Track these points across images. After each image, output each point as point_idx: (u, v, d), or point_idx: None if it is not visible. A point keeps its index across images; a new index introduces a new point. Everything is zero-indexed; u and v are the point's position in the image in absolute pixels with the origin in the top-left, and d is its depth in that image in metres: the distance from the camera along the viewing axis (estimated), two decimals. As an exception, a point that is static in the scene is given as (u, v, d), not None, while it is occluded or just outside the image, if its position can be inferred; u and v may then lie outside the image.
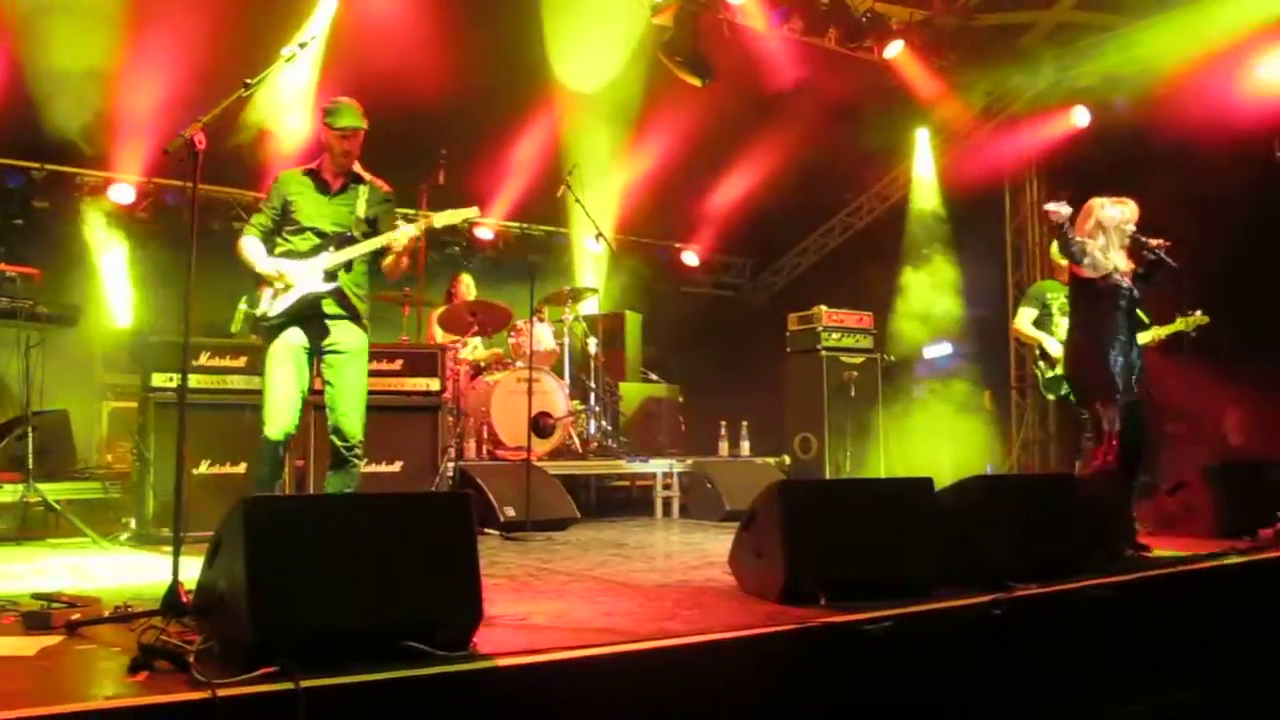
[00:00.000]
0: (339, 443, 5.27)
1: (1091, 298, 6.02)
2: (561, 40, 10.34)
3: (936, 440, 10.56)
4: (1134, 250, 6.08)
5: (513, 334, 9.17)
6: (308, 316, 5.27)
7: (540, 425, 8.43)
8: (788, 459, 9.85)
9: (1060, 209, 5.82)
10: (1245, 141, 9.76)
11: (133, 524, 6.61)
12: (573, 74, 10.62)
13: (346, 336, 5.33)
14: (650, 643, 3.33)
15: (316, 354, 5.31)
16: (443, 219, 5.66)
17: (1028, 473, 11.17)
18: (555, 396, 8.73)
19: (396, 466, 7.27)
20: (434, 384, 7.53)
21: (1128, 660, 4.50)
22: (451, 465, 7.55)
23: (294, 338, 5.24)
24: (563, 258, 12.63)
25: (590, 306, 10.45)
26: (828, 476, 9.44)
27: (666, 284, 13.96)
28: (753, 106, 11.59)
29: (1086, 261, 5.93)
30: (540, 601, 4.27)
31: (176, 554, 3.64)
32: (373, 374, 7.19)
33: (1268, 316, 9.05)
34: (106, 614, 3.58)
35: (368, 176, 5.48)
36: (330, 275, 5.26)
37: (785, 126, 11.85)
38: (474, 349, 9.37)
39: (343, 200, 5.39)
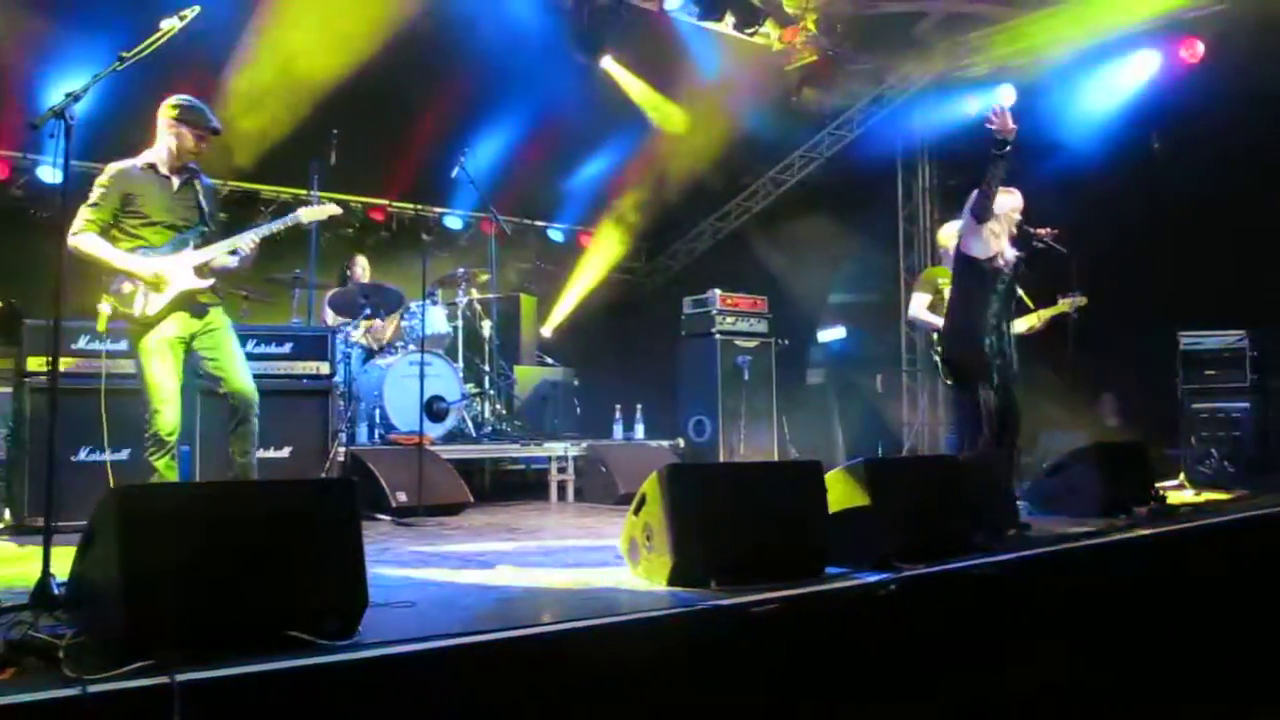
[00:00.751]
0: (238, 404, 5.41)
1: (974, 277, 6.14)
2: (457, 19, 10.19)
3: (829, 423, 10.71)
4: (1021, 240, 6.21)
5: (405, 317, 9.05)
6: (183, 306, 5.32)
7: (433, 409, 8.34)
8: (682, 442, 9.89)
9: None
10: (1126, 131, 10.06)
11: (7, 514, 6.37)
12: (468, 53, 10.48)
13: (216, 317, 5.46)
14: (540, 628, 3.32)
15: (189, 342, 5.36)
16: (308, 215, 5.83)
17: (915, 455, 11.39)
18: (449, 380, 8.63)
19: (285, 452, 7.11)
20: (324, 367, 7.38)
21: (1012, 637, 4.61)
22: (342, 450, 7.43)
23: (168, 330, 5.28)
24: (457, 240, 12.50)
25: (484, 289, 10.36)
26: (721, 459, 9.50)
27: (561, 267, 13.90)
28: (650, 88, 11.59)
29: (984, 234, 6.03)
30: (430, 588, 4.23)
31: (47, 545, 3.51)
32: (261, 357, 7.11)
33: (1144, 302, 9.36)
34: (-28, 608, 3.44)
35: (198, 170, 5.55)
36: (200, 271, 5.35)
37: (682, 109, 11.88)
38: (367, 332, 9.22)
39: (185, 195, 5.45)
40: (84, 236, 5.17)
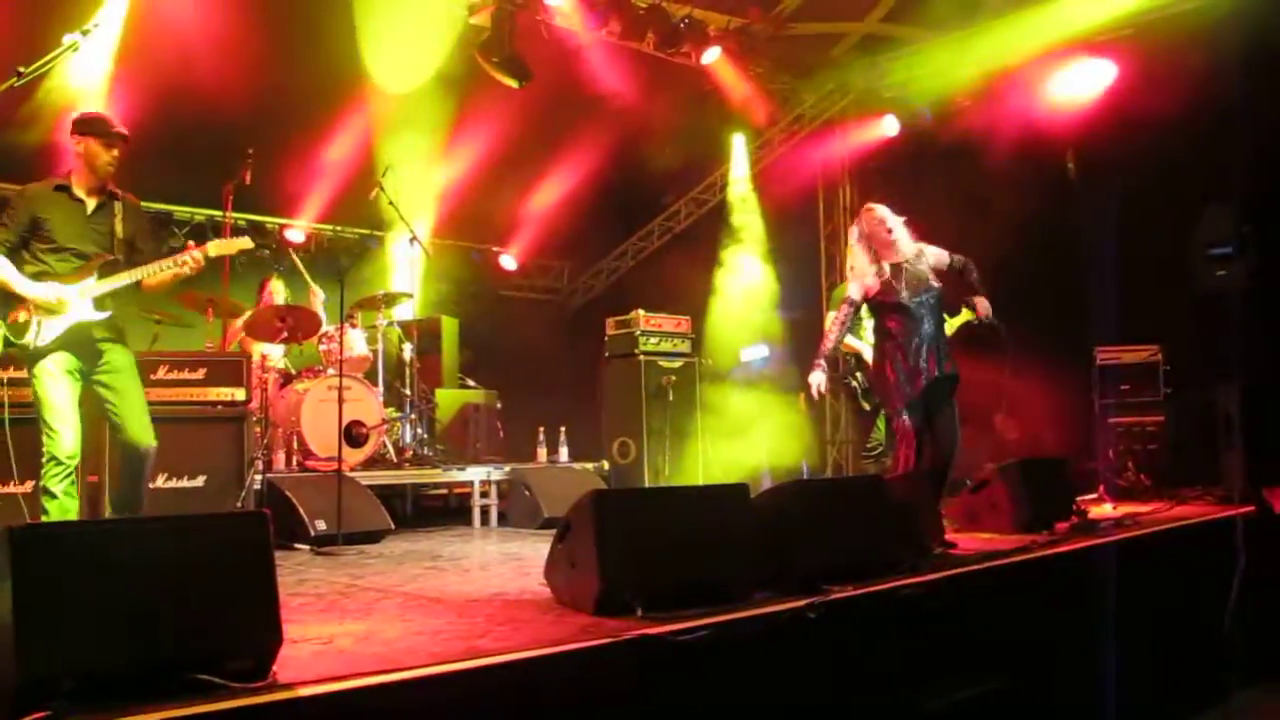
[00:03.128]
0: (133, 453, 5.20)
1: (884, 311, 6.20)
2: (375, 39, 10.09)
3: (754, 442, 10.69)
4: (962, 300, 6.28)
5: (324, 340, 8.87)
6: (77, 342, 5.13)
7: (353, 434, 8.18)
8: (606, 464, 9.82)
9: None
10: (1042, 152, 10.22)
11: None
12: (387, 74, 10.38)
13: (118, 356, 5.25)
14: (460, 663, 3.21)
15: (85, 376, 5.18)
16: (216, 249, 5.55)
17: (839, 475, 11.42)
18: (368, 404, 8.48)
19: (199, 481, 6.92)
20: (239, 393, 7.20)
21: (939, 655, 4.61)
22: (259, 478, 7.24)
23: (61, 359, 5.09)
24: (377, 261, 12.34)
25: (405, 311, 10.22)
26: (647, 481, 9.45)
27: (484, 288, 13.79)
28: (571, 109, 11.55)
29: (869, 279, 6.11)
30: (347, 622, 4.10)
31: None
32: (173, 383, 6.94)
33: (1059, 318, 9.50)
34: None
35: (120, 192, 5.34)
36: (100, 303, 5.16)
37: (603, 129, 11.85)
38: (284, 355, 9.04)
39: (100, 219, 5.25)
40: None
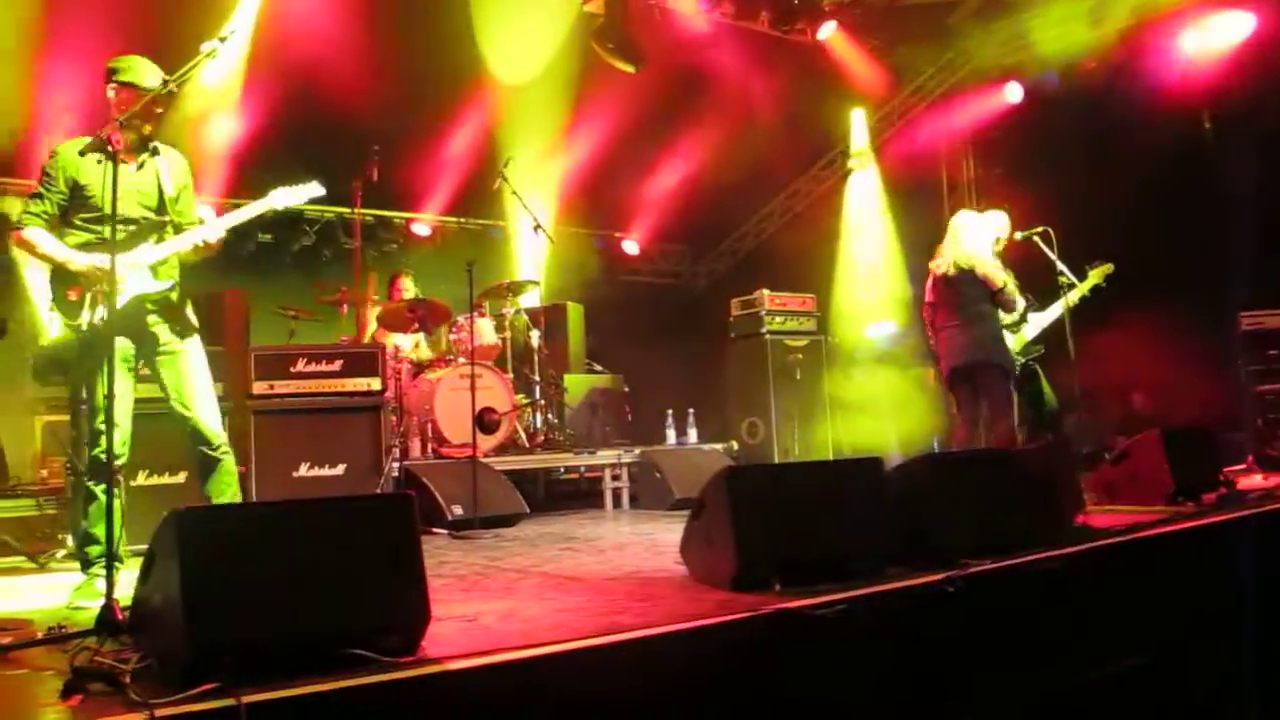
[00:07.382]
0: (203, 448, 4.72)
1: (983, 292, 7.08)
2: (492, 32, 10.24)
3: (883, 419, 10.58)
4: None
5: (453, 330, 9.06)
6: (133, 323, 4.61)
7: (485, 421, 8.33)
8: (735, 444, 9.82)
9: None
10: (1175, 112, 9.87)
11: (69, 541, 6.42)
12: (505, 65, 10.53)
13: (179, 335, 4.75)
14: (600, 638, 3.26)
15: (148, 359, 4.72)
16: (286, 196, 4.95)
17: (973, 449, 11.22)
18: (499, 391, 8.63)
19: (340, 469, 7.14)
20: (375, 383, 7.40)
21: (1081, 630, 4.52)
22: (396, 465, 7.44)
23: (119, 344, 4.51)
24: (502, 251, 12.53)
25: (531, 299, 10.37)
26: (776, 460, 9.43)
27: (607, 274, 13.91)
28: (687, 92, 11.55)
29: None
30: (489, 601, 4.19)
31: (109, 570, 3.51)
32: (312, 375, 7.17)
33: (1199, 283, 9.18)
34: (39, 636, 3.44)
35: (162, 147, 4.79)
36: (158, 271, 4.63)
37: (720, 111, 11.82)
38: (415, 346, 9.26)
39: (144, 177, 4.67)
40: (33, 231, 4.50)
